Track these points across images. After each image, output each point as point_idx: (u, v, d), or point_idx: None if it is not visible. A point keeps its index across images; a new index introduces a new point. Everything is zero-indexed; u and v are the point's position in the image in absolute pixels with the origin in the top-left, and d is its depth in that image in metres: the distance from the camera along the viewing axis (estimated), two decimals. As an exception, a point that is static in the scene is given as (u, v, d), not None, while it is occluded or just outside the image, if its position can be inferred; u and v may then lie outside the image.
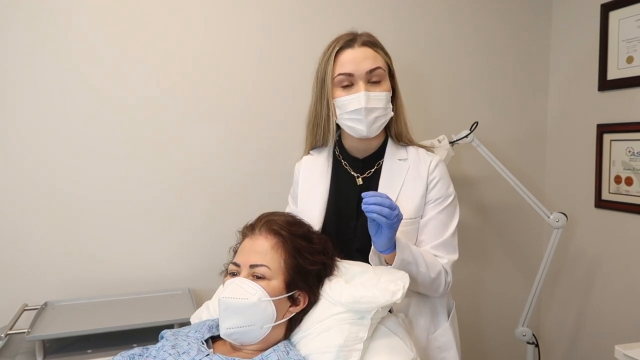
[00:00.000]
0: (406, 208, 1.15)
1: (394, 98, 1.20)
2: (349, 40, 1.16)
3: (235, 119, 1.68)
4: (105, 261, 1.58)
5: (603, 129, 1.82)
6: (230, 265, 1.02)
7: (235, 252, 1.06)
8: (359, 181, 1.22)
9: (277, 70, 1.70)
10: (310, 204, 1.25)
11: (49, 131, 1.50)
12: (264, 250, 0.99)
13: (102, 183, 1.56)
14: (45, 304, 1.47)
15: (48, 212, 1.52)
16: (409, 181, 1.18)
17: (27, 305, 1.46)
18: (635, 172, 1.72)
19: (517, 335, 1.80)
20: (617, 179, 1.78)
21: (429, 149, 1.28)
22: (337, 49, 1.15)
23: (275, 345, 0.96)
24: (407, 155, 1.22)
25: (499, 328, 2.09)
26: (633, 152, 1.72)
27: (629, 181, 1.74)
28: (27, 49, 1.47)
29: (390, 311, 1.13)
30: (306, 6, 1.73)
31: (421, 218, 1.18)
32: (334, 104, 1.16)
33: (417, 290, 1.16)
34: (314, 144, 1.28)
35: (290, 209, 1.33)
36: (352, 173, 1.24)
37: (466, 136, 1.69)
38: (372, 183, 1.21)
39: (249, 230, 1.05)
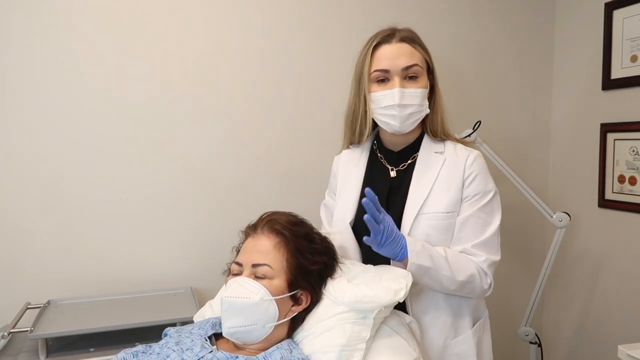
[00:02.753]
0: (440, 201, 1.12)
1: (432, 94, 1.19)
2: (387, 36, 1.14)
3: (236, 118, 1.68)
4: (108, 260, 1.58)
5: (607, 128, 1.81)
6: (233, 264, 1.02)
7: (238, 251, 1.06)
8: (393, 173, 1.20)
9: (277, 70, 1.70)
10: (344, 197, 1.24)
11: (49, 131, 1.50)
12: (266, 250, 0.99)
13: (105, 182, 1.56)
14: (48, 302, 1.47)
15: (50, 211, 1.52)
16: (444, 174, 1.14)
17: (30, 304, 1.46)
18: (639, 171, 1.71)
19: (520, 334, 1.80)
20: (621, 179, 1.77)
21: (468, 144, 1.24)
22: (374, 44, 1.14)
23: (279, 344, 0.96)
24: (444, 148, 1.19)
25: (501, 327, 2.08)
26: (637, 152, 1.71)
27: (632, 180, 1.73)
28: (27, 48, 1.47)
29: (405, 312, 1.12)
30: (306, 6, 1.72)
31: (458, 215, 1.13)
32: (370, 98, 1.15)
33: (448, 293, 1.12)
34: (352, 139, 1.26)
35: (326, 202, 1.33)
36: (387, 166, 1.22)
37: (469, 135, 1.69)
38: (406, 175, 1.18)
39: (251, 229, 1.05)
